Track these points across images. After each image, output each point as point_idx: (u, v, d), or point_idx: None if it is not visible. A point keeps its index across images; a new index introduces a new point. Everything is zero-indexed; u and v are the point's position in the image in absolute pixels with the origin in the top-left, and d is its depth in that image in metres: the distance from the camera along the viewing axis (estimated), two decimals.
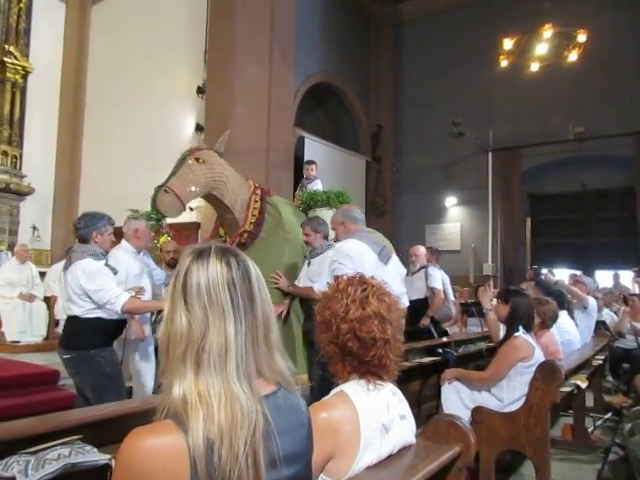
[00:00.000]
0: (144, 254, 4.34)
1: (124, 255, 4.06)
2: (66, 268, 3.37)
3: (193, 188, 4.16)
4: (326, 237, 4.30)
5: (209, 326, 1.00)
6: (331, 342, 1.52)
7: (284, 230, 4.67)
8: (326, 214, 4.76)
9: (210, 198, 4.48)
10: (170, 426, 0.93)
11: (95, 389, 3.29)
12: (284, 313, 4.30)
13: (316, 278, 4.13)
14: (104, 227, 3.41)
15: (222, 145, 4.57)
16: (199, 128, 9.42)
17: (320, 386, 3.62)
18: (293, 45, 9.87)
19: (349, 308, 1.49)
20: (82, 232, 3.34)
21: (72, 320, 3.40)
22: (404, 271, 3.67)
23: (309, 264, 4.29)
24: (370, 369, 1.50)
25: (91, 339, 3.28)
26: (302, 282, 4.29)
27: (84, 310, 3.29)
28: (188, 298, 1.02)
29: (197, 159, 4.23)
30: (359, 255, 3.29)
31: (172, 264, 5.08)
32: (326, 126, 13.10)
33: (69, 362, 3.34)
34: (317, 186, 5.61)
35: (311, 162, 6.15)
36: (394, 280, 3.39)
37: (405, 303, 3.60)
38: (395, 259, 3.58)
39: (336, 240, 3.81)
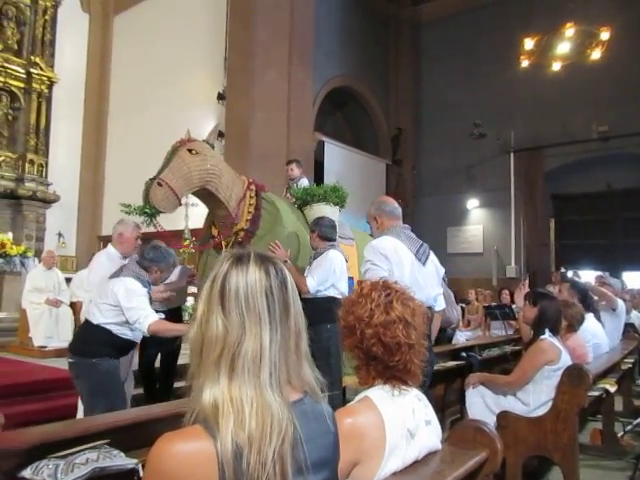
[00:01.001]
0: (131, 260, 4.15)
1: (105, 261, 4.01)
2: (112, 277, 3.48)
3: (187, 181, 3.87)
4: (325, 238, 4.13)
5: (245, 332, 1.00)
6: (355, 347, 1.51)
7: (283, 226, 4.35)
8: (323, 209, 4.57)
9: (202, 193, 4.14)
10: (199, 431, 0.94)
11: (87, 396, 3.36)
12: None
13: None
14: (165, 267, 3.60)
15: (213, 137, 4.37)
16: (220, 134, 9.49)
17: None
18: (312, 50, 9.92)
19: (373, 313, 1.48)
20: (145, 263, 3.49)
21: (86, 326, 3.49)
22: (443, 270, 3.31)
23: (310, 264, 4.16)
24: (395, 374, 1.49)
25: (96, 348, 3.34)
26: None
27: (105, 322, 3.36)
28: (226, 302, 1.02)
29: (190, 150, 3.95)
30: (395, 254, 2.95)
31: None
32: (346, 130, 13.11)
33: (71, 366, 3.42)
34: (304, 185, 5.29)
35: (290, 162, 5.70)
36: (431, 282, 3.13)
37: (442, 305, 3.32)
38: (433, 258, 3.22)
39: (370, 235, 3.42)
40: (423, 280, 3.01)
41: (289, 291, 1.07)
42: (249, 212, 4.30)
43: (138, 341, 3.60)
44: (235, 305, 1.01)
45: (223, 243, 4.27)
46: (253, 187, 4.42)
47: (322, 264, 4.00)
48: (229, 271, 1.05)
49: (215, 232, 4.39)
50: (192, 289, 5.76)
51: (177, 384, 4.70)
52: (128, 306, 3.29)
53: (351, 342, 1.52)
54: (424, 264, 3.08)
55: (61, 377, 4.64)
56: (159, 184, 3.72)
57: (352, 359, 1.56)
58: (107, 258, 4.06)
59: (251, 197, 4.35)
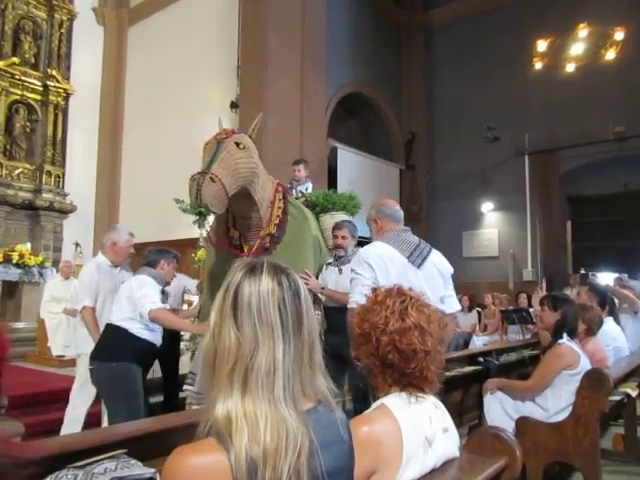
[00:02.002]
0: (122, 268, 4.19)
1: (95, 270, 4.01)
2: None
3: (234, 178, 3.37)
4: (357, 243, 4.02)
5: (258, 346, 1.00)
6: (371, 354, 1.50)
7: (311, 233, 4.05)
8: (342, 218, 4.36)
9: (240, 194, 3.60)
10: (213, 445, 0.94)
11: (108, 401, 3.47)
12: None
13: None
14: (171, 259, 3.82)
15: (255, 130, 3.87)
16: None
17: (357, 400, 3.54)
18: (324, 57, 9.94)
19: (388, 320, 1.48)
20: (152, 258, 3.74)
21: (105, 330, 3.62)
22: (449, 269, 3.00)
23: (340, 271, 3.93)
24: (411, 381, 1.48)
25: (114, 352, 3.43)
26: None
27: (123, 317, 3.50)
28: (238, 314, 1.02)
29: (237, 144, 3.46)
30: (380, 261, 2.81)
31: None
32: (359, 136, 13.10)
33: (92, 373, 3.52)
34: (309, 189, 5.07)
35: (299, 161, 5.35)
36: (431, 285, 2.85)
37: (453, 307, 3.00)
38: (434, 258, 2.95)
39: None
40: (419, 284, 2.70)
41: (302, 302, 1.07)
42: (277, 216, 3.95)
43: (157, 343, 3.65)
44: (248, 317, 1.01)
45: (245, 248, 3.87)
46: (280, 189, 4.06)
47: None
48: (242, 282, 1.04)
49: (236, 235, 3.91)
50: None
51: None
52: (138, 294, 3.47)
53: (366, 350, 1.51)
54: (419, 267, 2.88)
55: None
56: (212, 180, 3.19)
57: (367, 367, 1.55)
58: (97, 267, 4.04)
59: (279, 200, 4.00)
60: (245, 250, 3.84)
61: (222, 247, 3.99)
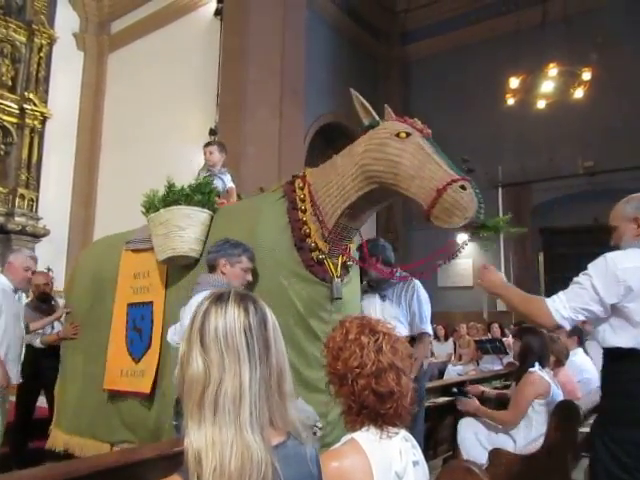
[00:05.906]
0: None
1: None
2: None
3: None
4: (388, 263, 3.58)
5: (225, 371, 1.00)
6: (347, 397, 1.46)
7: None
8: None
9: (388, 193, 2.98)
10: None
11: None
12: None
13: (416, 319, 3.40)
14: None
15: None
16: None
17: None
18: (303, 87, 10.11)
19: (364, 362, 1.42)
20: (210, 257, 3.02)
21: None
22: None
23: (383, 298, 3.53)
24: (385, 420, 1.46)
25: None
26: None
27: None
28: (205, 341, 1.02)
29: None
30: (637, 279, 2.00)
31: (42, 299, 5.04)
32: None
33: None
34: (227, 182, 4.29)
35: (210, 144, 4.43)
36: None
37: None
38: None
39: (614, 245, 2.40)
40: None
41: (269, 330, 1.07)
42: None
43: None
44: (214, 343, 1.02)
45: (330, 265, 3.03)
46: None
47: (421, 299, 3.54)
48: (208, 310, 1.05)
49: (325, 248, 3.03)
50: None
51: None
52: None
53: (342, 392, 1.47)
54: None
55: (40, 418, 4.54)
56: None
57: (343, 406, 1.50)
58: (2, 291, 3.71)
59: None
60: (329, 267, 3.01)
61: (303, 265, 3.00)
